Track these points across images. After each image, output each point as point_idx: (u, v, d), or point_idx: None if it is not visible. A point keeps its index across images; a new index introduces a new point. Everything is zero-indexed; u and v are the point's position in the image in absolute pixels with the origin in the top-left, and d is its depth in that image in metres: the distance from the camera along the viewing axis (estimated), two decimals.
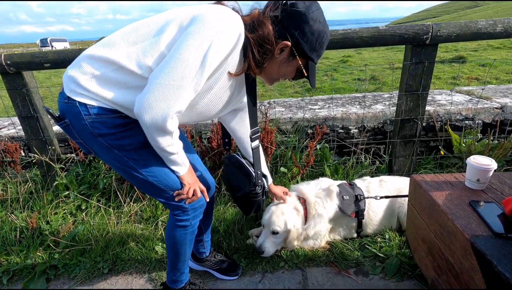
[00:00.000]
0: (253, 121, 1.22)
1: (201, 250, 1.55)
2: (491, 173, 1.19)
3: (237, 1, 1.02)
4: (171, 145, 0.99)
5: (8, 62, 1.85)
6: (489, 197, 1.18)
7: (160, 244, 1.79)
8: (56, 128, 2.44)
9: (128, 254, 1.74)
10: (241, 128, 1.37)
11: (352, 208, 1.66)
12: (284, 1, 0.98)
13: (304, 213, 1.66)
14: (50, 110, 1.04)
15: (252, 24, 0.97)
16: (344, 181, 1.79)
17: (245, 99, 1.20)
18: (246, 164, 1.34)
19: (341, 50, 12.73)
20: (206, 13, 0.90)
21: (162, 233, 1.86)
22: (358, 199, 1.67)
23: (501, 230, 0.98)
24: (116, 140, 1.02)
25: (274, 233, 1.60)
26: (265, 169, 1.45)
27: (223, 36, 0.89)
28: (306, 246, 1.69)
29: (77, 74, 0.95)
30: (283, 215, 1.59)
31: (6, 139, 2.42)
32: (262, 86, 7.03)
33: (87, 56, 0.96)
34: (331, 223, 1.69)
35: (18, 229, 1.92)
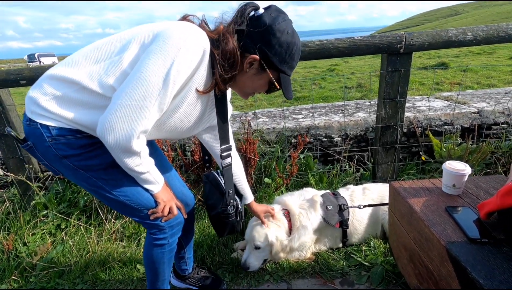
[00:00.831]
0: (224, 139, 1.18)
1: (183, 267, 1.51)
2: (466, 178, 1.21)
3: (204, 16, 1.00)
4: (140, 164, 0.96)
5: None
6: (465, 202, 1.19)
7: (142, 261, 1.74)
8: None
9: (109, 274, 1.68)
10: (218, 145, 1.32)
11: (336, 218, 1.65)
12: (250, 14, 0.96)
13: (288, 225, 1.64)
14: (12, 133, 1.02)
15: (217, 39, 0.95)
16: (328, 191, 1.79)
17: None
18: (223, 183, 1.30)
19: (328, 59, 12.98)
20: (168, 30, 0.88)
21: None
22: (342, 209, 1.67)
23: (476, 235, 0.98)
24: (82, 161, 0.99)
25: (257, 248, 1.58)
26: (244, 187, 1.42)
27: (186, 54, 0.87)
28: (291, 258, 1.67)
29: (37, 95, 0.93)
30: (263, 229, 1.57)
31: None
32: (251, 97, 7.07)
33: (49, 76, 0.94)
34: (316, 234, 1.67)
35: None
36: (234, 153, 1.36)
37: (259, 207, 1.56)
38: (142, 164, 0.97)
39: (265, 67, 0.98)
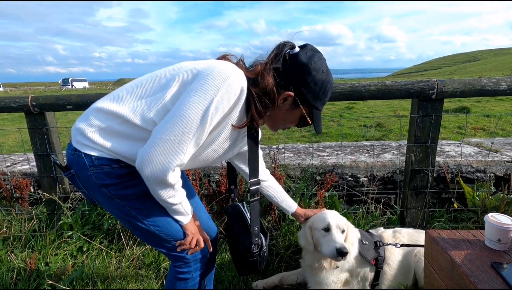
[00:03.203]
0: (253, 172, 1.17)
1: None
2: None
3: (242, 56, 1.05)
4: (173, 196, 0.99)
5: (34, 103, 1.97)
6: (511, 258, 1.12)
7: None
8: None
9: None
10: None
11: (372, 253, 1.57)
12: (287, 53, 0.99)
13: None
14: (58, 162, 1.10)
15: (255, 78, 0.98)
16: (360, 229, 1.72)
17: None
18: (248, 218, 1.28)
19: None
20: (209, 69, 0.92)
21: (163, 281, 1.77)
22: (378, 246, 1.59)
23: None
24: (119, 190, 1.02)
25: (343, 232, 1.49)
26: (286, 198, 1.47)
27: (225, 93, 0.91)
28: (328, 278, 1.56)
29: (84, 126, 0.99)
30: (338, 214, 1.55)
31: (19, 175, 2.45)
32: (269, 131, 7.19)
33: (95, 109, 1.00)
34: (347, 273, 1.59)
35: (15, 270, 1.85)
36: (269, 176, 1.43)
37: (308, 211, 1.55)
38: (175, 196, 0.99)
39: (299, 103, 1.02)
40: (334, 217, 1.50)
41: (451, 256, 1.15)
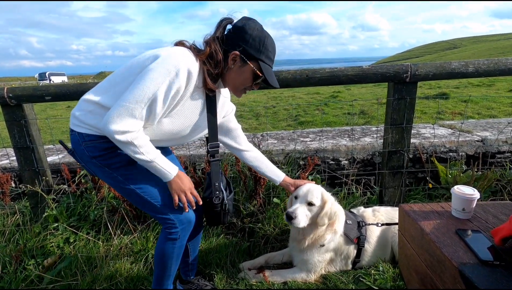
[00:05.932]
0: (212, 137, 1.38)
1: (187, 272, 1.62)
2: (475, 203, 1.25)
3: (194, 41, 1.25)
4: (139, 153, 1.15)
5: (10, 94, 1.92)
6: (474, 225, 1.22)
7: (150, 278, 1.73)
8: (51, 158, 2.46)
9: None
10: (235, 144, 1.57)
11: (355, 233, 1.66)
12: (226, 24, 1.22)
13: None
14: (63, 142, 1.35)
15: (208, 56, 1.19)
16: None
17: (231, 124, 1.48)
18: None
19: (331, 86, 13.34)
20: (164, 55, 1.12)
21: (152, 268, 1.81)
22: (360, 226, 1.68)
23: (488, 258, 1.00)
24: (106, 160, 1.23)
25: (310, 204, 1.57)
26: (273, 169, 1.63)
27: (175, 75, 1.10)
28: (299, 278, 1.66)
29: (76, 112, 1.24)
30: (320, 188, 1.62)
31: None
32: (256, 119, 7.23)
33: (84, 99, 1.24)
34: (332, 252, 1.68)
35: (0, 264, 1.84)
36: (252, 147, 1.61)
37: (298, 181, 1.66)
38: (142, 153, 1.15)
39: (246, 60, 1.21)
40: (306, 190, 1.60)
41: (421, 225, 1.24)
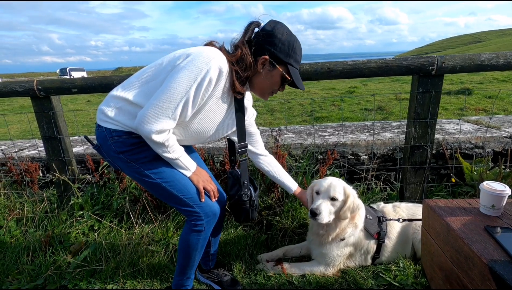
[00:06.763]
0: (241, 137, 1.40)
1: (207, 262, 1.66)
2: (505, 199, 1.20)
3: (224, 42, 1.25)
4: (167, 152, 1.20)
5: (39, 87, 2.00)
6: (504, 223, 1.18)
7: (171, 266, 1.78)
8: (76, 149, 2.55)
9: (137, 277, 1.72)
10: (254, 149, 1.58)
11: (376, 228, 1.64)
12: (254, 27, 1.22)
13: None
14: (88, 137, 1.37)
15: (238, 59, 1.20)
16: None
17: (251, 128, 1.48)
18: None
19: (347, 81, 13.08)
20: (195, 53, 1.13)
21: (173, 256, 1.86)
22: (381, 221, 1.66)
23: None
24: (133, 155, 1.25)
25: (333, 199, 1.56)
26: (286, 180, 1.64)
27: (206, 73, 1.11)
28: (317, 272, 1.66)
29: (104, 107, 1.25)
30: (341, 182, 1.61)
31: (27, 160, 2.52)
32: (270, 115, 7.21)
33: (112, 95, 1.25)
34: (352, 247, 1.67)
35: (31, 248, 1.94)
36: (268, 153, 1.62)
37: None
38: (170, 152, 1.21)
39: (274, 63, 1.21)
40: (328, 185, 1.58)
41: (447, 221, 1.21)
